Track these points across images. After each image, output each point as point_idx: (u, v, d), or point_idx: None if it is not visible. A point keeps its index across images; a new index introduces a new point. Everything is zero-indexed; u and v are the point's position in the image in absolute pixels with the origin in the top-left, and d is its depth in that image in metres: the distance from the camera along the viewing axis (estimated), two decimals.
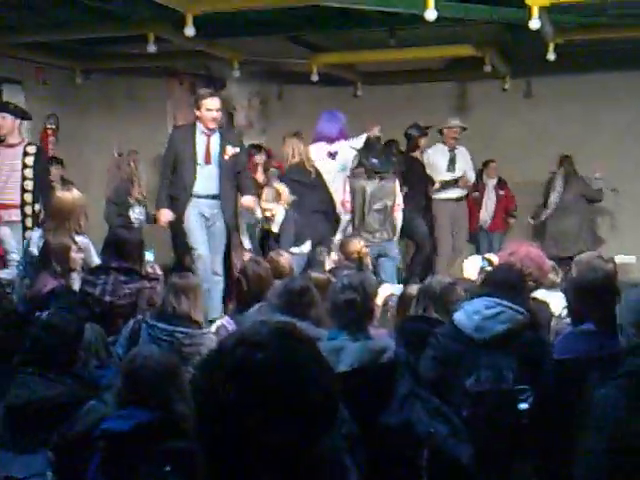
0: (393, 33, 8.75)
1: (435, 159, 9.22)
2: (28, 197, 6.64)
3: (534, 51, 8.70)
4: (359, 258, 6.03)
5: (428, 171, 9.08)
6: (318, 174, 7.61)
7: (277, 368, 1.36)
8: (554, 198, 9.73)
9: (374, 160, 7.63)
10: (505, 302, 3.82)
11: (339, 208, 7.73)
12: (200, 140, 6.83)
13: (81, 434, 3.22)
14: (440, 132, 9.32)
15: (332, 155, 7.67)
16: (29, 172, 6.66)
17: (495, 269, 4.29)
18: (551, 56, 8.25)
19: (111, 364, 4.13)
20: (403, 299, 4.99)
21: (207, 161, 6.81)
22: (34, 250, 5.65)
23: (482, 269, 5.47)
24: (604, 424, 2.89)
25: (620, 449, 2.85)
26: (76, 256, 5.33)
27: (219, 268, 6.84)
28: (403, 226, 7.91)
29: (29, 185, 6.65)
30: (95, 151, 8.84)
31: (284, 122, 11.09)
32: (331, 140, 7.81)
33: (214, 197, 6.84)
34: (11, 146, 6.72)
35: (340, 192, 7.74)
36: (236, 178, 6.97)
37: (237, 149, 6.94)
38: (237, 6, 7.18)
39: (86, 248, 5.66)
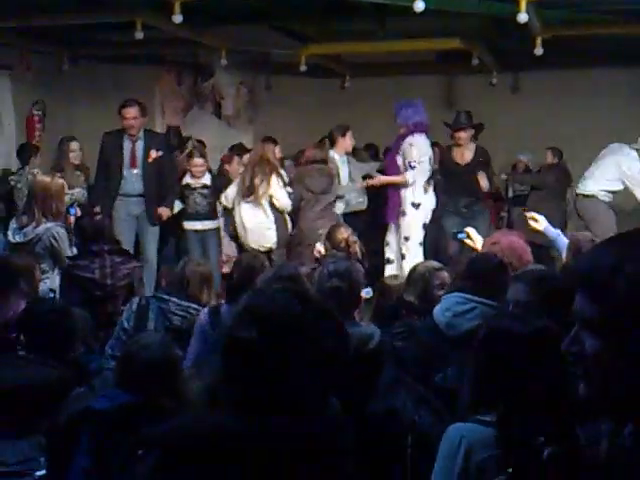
0: (382, 25, 8.74)
1: None
2: None
3: (521, 46, 8.71)
4: (347, 246, 5.99)
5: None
6: None
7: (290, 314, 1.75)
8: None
9: None
10: (477, 298, 3.66)
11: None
12: (126, 145, 7.51)
13: (69, 420, 3.22)
14: None
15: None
16: None
17: (473, 261, 4.13)
18: (538, 51, 8.24)
19: (97, 349, 4.13)
20: (382, 290, 5.02)
21: (132, 164, 7.47)
22: (10, 235, 5.76)
23: (457, 238, 5.33)
24: None
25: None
26: (40, 276, 5.16)
27: (150, 255, 7.49)
28: None
29: None
30: (82, 138, 8.80)
31: (272, 112, 11.10)
32: (427, 132, 7.76)
33: (141, 196, 7.47)
34: None
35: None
36: (161, 182, 7.54)
37: (160, 152, 7.51)
38: None
39: (60, 236, 5.63)
